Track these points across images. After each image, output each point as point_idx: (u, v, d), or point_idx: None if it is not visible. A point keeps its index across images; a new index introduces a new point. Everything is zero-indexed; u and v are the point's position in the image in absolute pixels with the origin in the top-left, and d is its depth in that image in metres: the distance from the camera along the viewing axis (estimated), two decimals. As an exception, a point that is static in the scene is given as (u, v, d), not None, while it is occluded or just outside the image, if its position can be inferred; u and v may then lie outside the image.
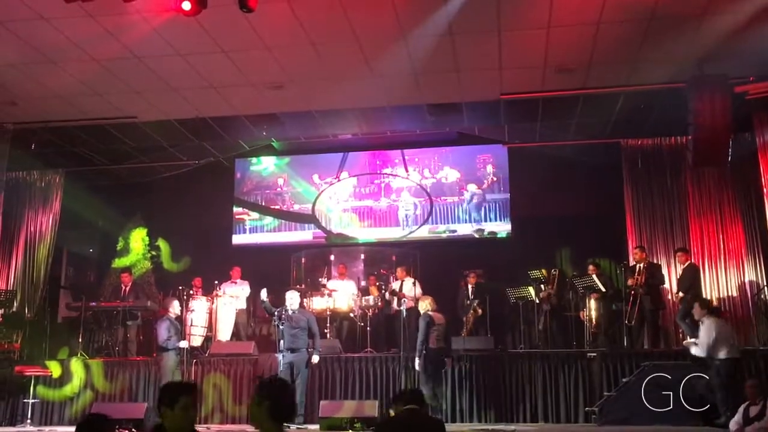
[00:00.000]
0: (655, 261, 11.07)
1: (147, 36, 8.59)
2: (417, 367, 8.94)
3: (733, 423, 7.62)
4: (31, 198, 12.87)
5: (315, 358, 9.06)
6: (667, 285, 10.98)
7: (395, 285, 11.61)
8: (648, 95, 10.36)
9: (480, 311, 11.20)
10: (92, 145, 12.62)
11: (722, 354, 8.12)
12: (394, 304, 11.18)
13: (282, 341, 8.95)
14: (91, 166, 13.25)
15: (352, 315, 11.52)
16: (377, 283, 11.97)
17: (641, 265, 10.50)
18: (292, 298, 9.15)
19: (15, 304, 12.27)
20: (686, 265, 10.59)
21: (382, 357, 10.01)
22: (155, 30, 8.44)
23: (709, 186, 11.32)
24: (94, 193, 14.05)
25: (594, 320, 10.81)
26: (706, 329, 8.26)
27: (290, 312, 9.01)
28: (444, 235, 13.33)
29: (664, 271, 11.01)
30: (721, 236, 11.17)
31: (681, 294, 10.46)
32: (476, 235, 13.19)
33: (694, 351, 8.39)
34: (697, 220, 11.28)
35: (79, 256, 14.66)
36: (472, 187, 13.30)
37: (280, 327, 8.95)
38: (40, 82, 9.91)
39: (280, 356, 8.96)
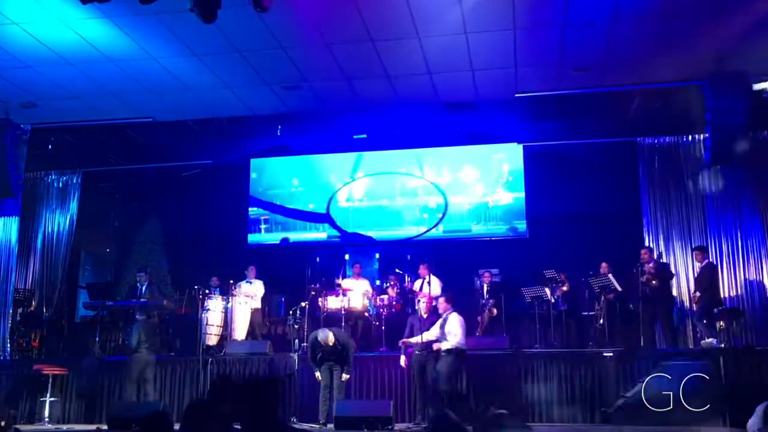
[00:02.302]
0: (671, 260, 11.02)
1: (162, 36, 8.67)
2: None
3: (752, 424, 7.51)
4: (48, 198, 13.01)
5: (344, 376, 9.05)
6: (683, 283, 10.91)
7: (417, 283, 11.56)
8: (665, 93, 10.29)
9: (495, 311, 11.16)
10: (109, 146, 12.73)
11: (461, 345, 8.79)
12: (416, 305, 11.17)
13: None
14: (108, 166, 13.35)
15: (366, 314, 11.51)
16: (394, 283, 11.93)
17: (650, 264, 10.44)
18: (326, 338, 8.96)
19: (33, 303, 12.41)
20: (703, 264, 10.50)
21: (397, 356, 9.98)
22: (170, 30, 8.51)
23: (727, 184, 11.21)
24: (111, 194, 14.20)
25: (609, 319, 10.74)
26: (456, 322, 8.83)
27: (327, 347, 8.97)
28: (459, 234, 13.28)
29: (681, 270, 10.96)
30: (739, 235, 11.08)
31: (698, 294, 10.37)
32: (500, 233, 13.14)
33: (449, 344, 8.74)
34: (715, 219, 11.20)
35: (96, 256, 14.77)
36: (480, 188, 13.25)
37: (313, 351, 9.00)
38: (57, 83, 10.01)
39: (317, 371, 9.01)
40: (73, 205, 12.94)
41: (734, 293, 10.88)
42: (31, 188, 12.78)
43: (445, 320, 8.93)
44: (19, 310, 12.17)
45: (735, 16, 8.26)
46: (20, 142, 11.25)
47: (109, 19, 8.25)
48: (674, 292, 10.82)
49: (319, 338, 8.92)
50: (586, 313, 11.43)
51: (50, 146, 12.06)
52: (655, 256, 10.83)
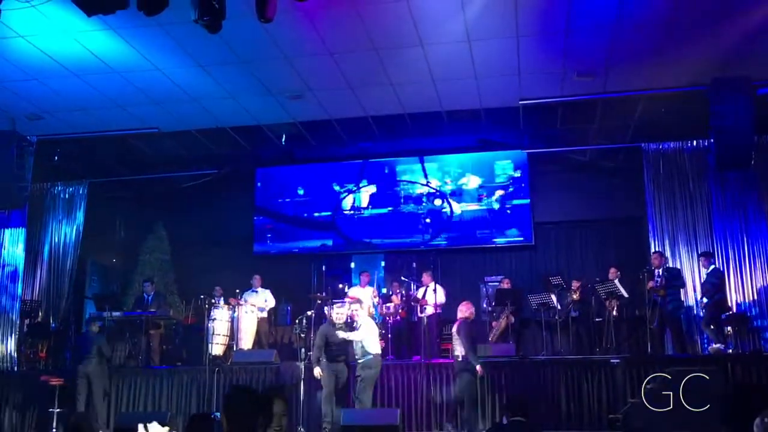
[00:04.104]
0: (677, 265, 10.98)
1: (167, 47, 8.72)
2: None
3: (757, 426, 7.47)
4: (55, 209, 13.06)
5: (340, 334, 8.94)
6: (690, 289, 10.87)
7: (420, 291, 11.56)
8: (669, 98, 10.28)
9: (512, 318, 11.14)
10: (115, 157, 12.78)
11: (377, 350, 8.99)
12: (418, 312, 11.17)
13: (324, 352, 8.95)
14: (114, 177, 13.40)
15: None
16: (399, 291, 11.94)
17: (660, 270, 10.40)
18: (339, 313, 9.10)
19: (40, 314, 12.43)
20: (710, 269, 10.46)
21: (404, 364, 9.98)
22: (175, 41, 8.55)
23: (733, 189, 11.19)
24: (117, 204, 14.24)
25: (616, 325, 10.72)
26: (371, 329, 9.02)
27: (337, 326, 8.99)
28: (464, 242, 13.27)
29: (687, 276, 10.92)
30: (745, 239, 11.04)
31: (705, 299, 10.34)
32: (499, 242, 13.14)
33: (354, 336, 8.87)
34: (721, 224, 11.16)
35: (102, 267, 14.81)
36: (496, 193, 13.24)
37: (326, 341, 8.93)
38: (63, 95, 10.06)
39: (322, 366, 8.94)
40: (80, 216, 12.97)
41: (741, 298, 10.84)
42: (37, 199, 12.83)
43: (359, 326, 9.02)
44: (27, 321, 12.20)
45: (737, 21, 8.26)
46: (27, 154, 11.29)
47: (114, 31, 8.30)
48: (681, 298, 10.77)
49: (334, 316, 9.06)
50: (599, 320, 11.38)
51: (56, 157, 12.11)
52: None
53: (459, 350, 8.89)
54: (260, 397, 3.64)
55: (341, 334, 8.80)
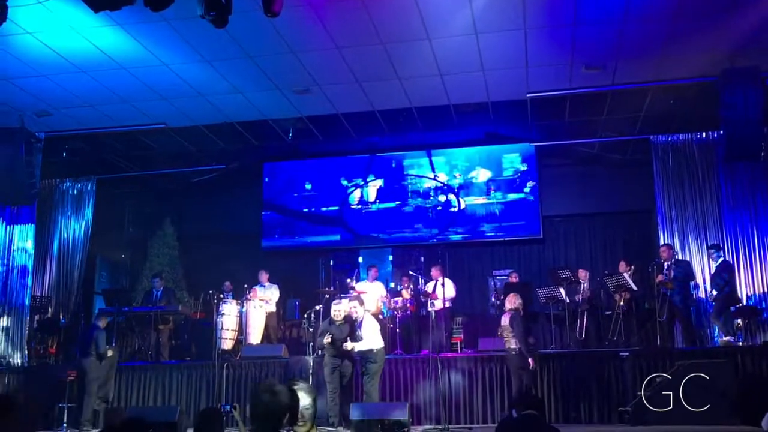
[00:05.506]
0: (687, 258, 10.93)
1: (173, 43, 8.72)
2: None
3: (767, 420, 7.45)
4: (64, 205, 13.11)
5: (348, 345, 8.90)
6: (699, 281, 10.83)
7: (429, 286, 11.54)
8: (678, 90, 10.22)
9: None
10: (123, 152, 12.82)
11: (380, 344, 8.90)
12: (428, 306, 11.16)
13: (327, 348, 8.96)
14: (122, 173, 13.43)
15: (380, 317, 11.49)
16: (407, 285, 11.92)
17: (669, 262, 10.36)
18: (337, 310, 9.08)
19: (50, 310, 12.49)
20: (719, 262, 10.41)
21: (412, 359, 9.98)
22: (182, 36, 8.56)
23: (743, 180, 11.13)
24: (125, 200, 14.28)
25: (626, 318, 10.69)
26: (372, 325, 8.94)
27: (337, 323, 9.00)
28: (472, 235, 13.24)
29: (697, 268, 10.86)
30: (755, 231, 10.98)
31: (714, 292, 10.29)
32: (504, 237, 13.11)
33: (360, 347, 8.77)
34: (731, 216, 11.10)
35: (111, 262, 14.87)
36: (492, 189, 13.19)
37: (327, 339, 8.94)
38: (71, 91, 10.09)
39: (328, 362, 8.97)
40: (88, 212, 13.01)
41: (751, 291, 10.78)
42: (46, 196, 12.88)
43: (361, 323, 8.93)
44: (36, 317, 12.26)
45: (747, 12, 8.19)
46: (35, 150, 11.34)
47: (120, 27, 8.31)
48: (690, 291, 10.73)
49: (332, 313, 9.01)
50: (608, 313, 11.34)
51: (65, 154, 12.15)
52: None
53: (513, 343, 8.78)
54: (286, 395, 3.46)
55: (348, 346, 8.77)
